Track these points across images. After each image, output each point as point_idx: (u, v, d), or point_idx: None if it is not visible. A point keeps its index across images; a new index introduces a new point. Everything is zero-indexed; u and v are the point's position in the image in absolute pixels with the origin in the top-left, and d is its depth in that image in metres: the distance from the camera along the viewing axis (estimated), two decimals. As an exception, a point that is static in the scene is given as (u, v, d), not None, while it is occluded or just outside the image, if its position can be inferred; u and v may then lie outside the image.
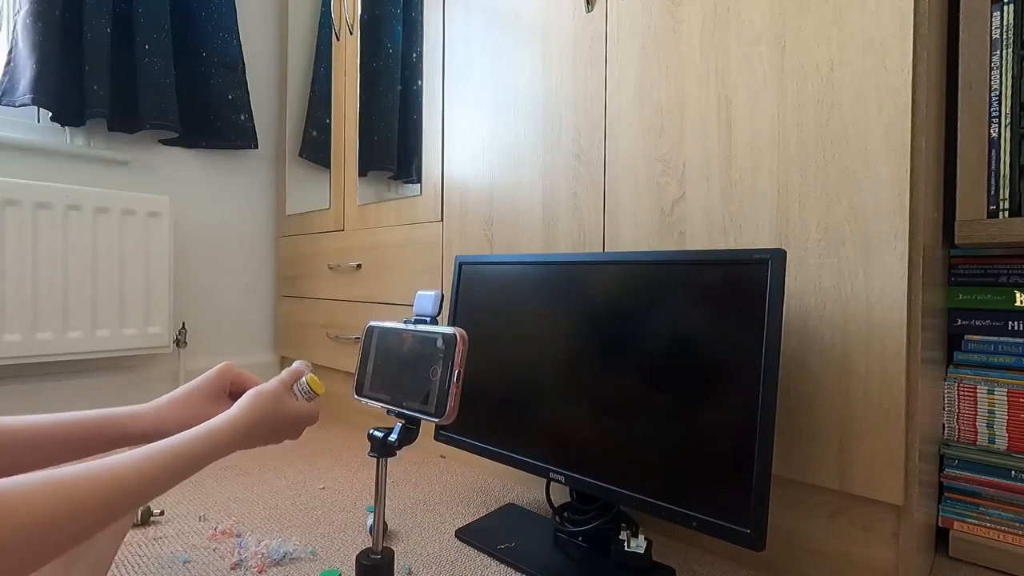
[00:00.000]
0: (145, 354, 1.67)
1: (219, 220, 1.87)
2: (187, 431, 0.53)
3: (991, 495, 0.87)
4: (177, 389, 0.65)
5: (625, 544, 0.80)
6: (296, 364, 0.68)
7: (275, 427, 0.61)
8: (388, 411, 0.70)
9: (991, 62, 0.80)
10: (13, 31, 1.43)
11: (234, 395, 0.67)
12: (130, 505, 0.46)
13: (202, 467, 0.53)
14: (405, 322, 0.72)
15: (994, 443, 0.87)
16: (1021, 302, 0.89)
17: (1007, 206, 0.79)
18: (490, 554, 0.86)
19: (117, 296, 1.52)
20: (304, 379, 0.66)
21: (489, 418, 0.96)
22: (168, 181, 1.76)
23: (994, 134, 0.80)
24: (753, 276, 0.70)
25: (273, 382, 0.64)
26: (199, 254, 1.82)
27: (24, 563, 0.38)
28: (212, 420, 0.56)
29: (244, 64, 1.82)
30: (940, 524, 0.91)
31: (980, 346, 0.91)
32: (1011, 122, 0.79)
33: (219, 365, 0.68)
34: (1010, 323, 0.89)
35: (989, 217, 0.80)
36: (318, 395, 0.66)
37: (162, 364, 1.73)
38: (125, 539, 0.89)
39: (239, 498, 1.07)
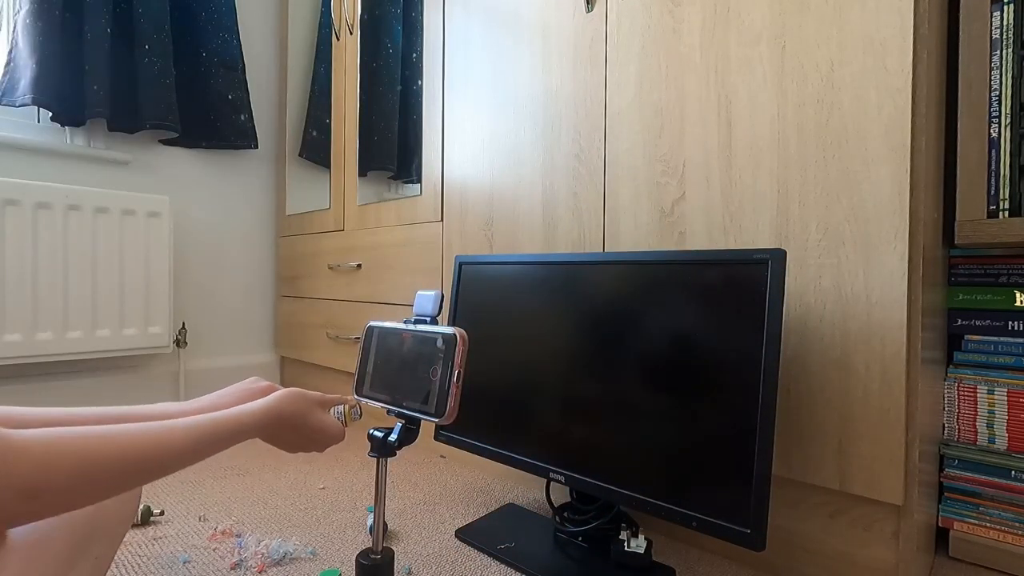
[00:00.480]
0: (145, 354, 1.67)
1: (219, 220, 1.87)
2: (220, 411, 0.56)
3: (991, 495, 0.87)
4: (222, 389, 0.67)
5: (625, 544, 0.80)
6: (349, 398, 0.73)
7: (301, 425, 0.63)
8: (388, 411, 0.70)
9: (991, 62, 0.80)
10: (13, 31, 1.43)
11: None
12: (145, 471, 0.48)
13: (227, 445, 0.55)
14: (405, 322, 0.72)
15: (994, 443, 0.87)
16: (1021, 302, 0.89)
17: (1007, 206, 0.79)
18: (490, 554, 0.86)
19: (117, 296, 1.52)
20: (343, 407, 0.71)
21: (489, 418, 0.96)
22: (168, 181, 1.76)
23: (994, 134, 0.80)
24: (753, 276, 0.70)
25: (314, 392, 0.68)
26: (199, 254, 1.82)
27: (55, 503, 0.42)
28: (246, 404, 0.59)
29: (244, 64, 1.82)
30: (940, 524, 0.91)
31: (980, 346, 0.91)
32: (1011, 122, 0.79)
33: (267, 383, 0.70)
34: (1010, 323, 0.89)
35: (989, 217, 0.80)
36: (346, 424, 0.71)
37: (162, 364, 1.73)
38: (126, 539, 0.89)
39: (239, 498, 1.07)
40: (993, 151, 0.80)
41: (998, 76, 0.80)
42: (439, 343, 0.65)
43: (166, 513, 0.99)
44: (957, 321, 0.94)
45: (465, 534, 0.92)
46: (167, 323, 1.62)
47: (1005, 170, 0.80)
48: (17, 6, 1.42)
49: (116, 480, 0.46)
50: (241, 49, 1.81)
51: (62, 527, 0.53)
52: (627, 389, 0.80)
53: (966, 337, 0.92)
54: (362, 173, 1.66)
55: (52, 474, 0.41)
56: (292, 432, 0.63)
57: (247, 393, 0.68)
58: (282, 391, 0.63)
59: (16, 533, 0.52)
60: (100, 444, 0.45)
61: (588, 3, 1.02)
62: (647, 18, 0.94)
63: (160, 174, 1.74)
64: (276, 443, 0.63)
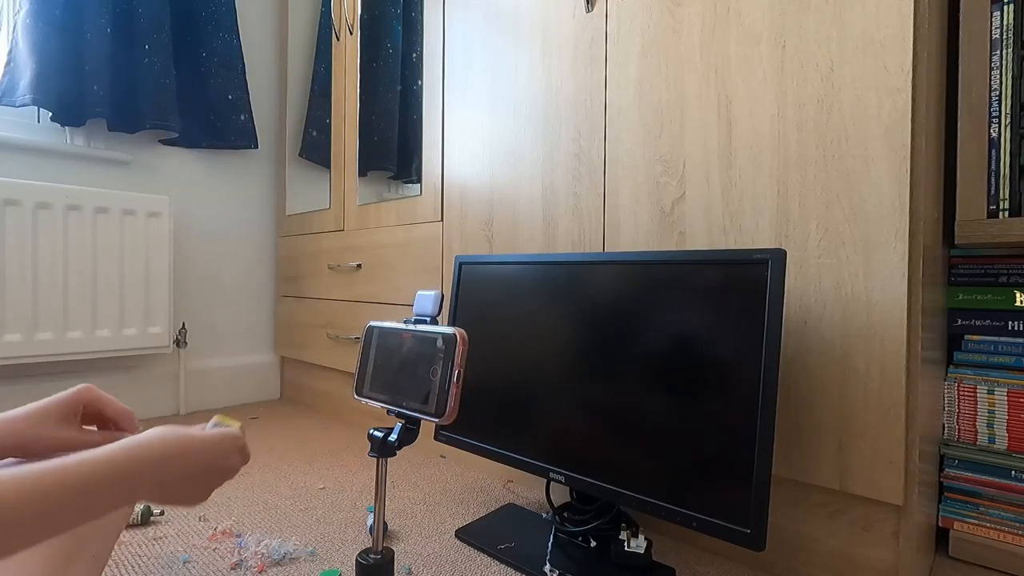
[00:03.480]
0: (145, 354, 1.67)
1: (219, 220, 1.87)
2: (79, 453, 0.42)
3: (991, 495, 0.87)
4: (19, 408, 0.54)
5: (625, 544, 0.80)
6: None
7: (191, 448, 0.50)
8: (388, 411, 0.70)
9: (991, 62, 0.80)
10: (13, 31, 1.43)
11: (87, 419, 0.59)
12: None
13: (108, 503, 0.42)
14: (405, 322, 0.72)
15: (994, 443, 0.87)
16: (1021, 302, 0.89)
17: (1007, 206, 0.79)
18: (490, 554, 0.86)
19: (117, 296, 1.52)
20: (212, 420, 0.57)
21: (489, 418, 0.96)
22: (168, 181, 1.76)
23: (994, 134, 0.80)
24: (753, 276, 0.70)
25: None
26: (199, 254, 1.82)
27: None
28: (112, 444, 0.45)
29: (244, 64, 1.82)
30: (940, 524, 0.91)
31: (980, 346, 0.91)
32: (1011, 122, 0.79)
33: (78, 386, 0.57)
34: (1010, 323, 0.89)
35: (989, 217, 0.80)
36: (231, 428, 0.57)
37: (162, 364, 1.73)
38: (126, 539, 0.89)
39: (239, 498, 1.07)
40: (993, 151, 0.80)
41: (998, 76, 0.80)
42: (439, 343, 0.65)
43: (166, 513, 0.99)
44: (957, 321, 0.94)
45: (465, 534, 0.92)
46: (167, 323, 1.62)
47: (1005, 170, 0.80)
48: (17, 6, 1.42)
49: None
50: (241, 49, 1.81)
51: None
52: (627, 389, 0.80)
53: (966, 337, 0.93)
54: (362, 173, 1.66)
55: None
56: (187, 459, 0.49)
57: (57, 413, 0.55)
58: (146, 432, 0.49)
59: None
60: None
61: (588, 3, 1.02)
62: (647, 18, 0.94)
63: (160, 174, 1.74)
64: (174, 478, 0.48)
